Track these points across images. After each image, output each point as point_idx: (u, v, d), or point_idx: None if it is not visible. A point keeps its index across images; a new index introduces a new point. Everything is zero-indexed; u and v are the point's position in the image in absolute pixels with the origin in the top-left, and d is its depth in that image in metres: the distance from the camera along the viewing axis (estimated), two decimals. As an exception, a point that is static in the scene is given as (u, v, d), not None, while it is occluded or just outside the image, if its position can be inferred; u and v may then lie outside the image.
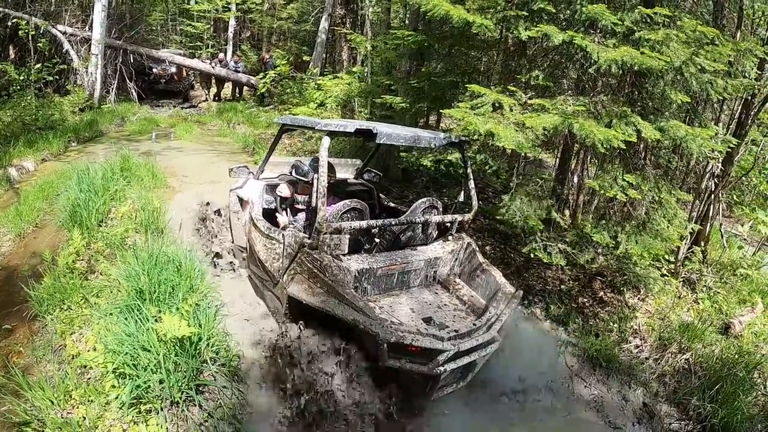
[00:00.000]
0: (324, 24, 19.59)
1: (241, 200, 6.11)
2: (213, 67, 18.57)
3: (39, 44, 13.49)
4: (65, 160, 10.15)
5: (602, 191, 5.54)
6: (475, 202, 5.42)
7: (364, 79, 10.20)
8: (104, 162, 7.95)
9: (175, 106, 18.15)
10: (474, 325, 4.27)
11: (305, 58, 18.28)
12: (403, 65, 9.19)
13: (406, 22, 12.47)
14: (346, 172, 6.83)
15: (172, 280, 4.40)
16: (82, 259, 5.39)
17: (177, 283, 4.41)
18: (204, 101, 19.19)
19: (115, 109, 15.56)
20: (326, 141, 4.34)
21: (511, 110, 5.22)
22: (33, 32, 13.11)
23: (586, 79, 6.05)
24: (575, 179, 7.52)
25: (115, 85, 16.41)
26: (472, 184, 5.42)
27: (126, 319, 3.96)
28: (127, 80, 16.96)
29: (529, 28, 5.43)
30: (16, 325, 4.85)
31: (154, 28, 23.57)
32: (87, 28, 15.85)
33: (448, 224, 5.40)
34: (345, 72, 12.72)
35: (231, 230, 6.48)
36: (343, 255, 4.54)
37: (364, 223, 4.64)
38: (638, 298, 6.95)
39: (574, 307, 6.61)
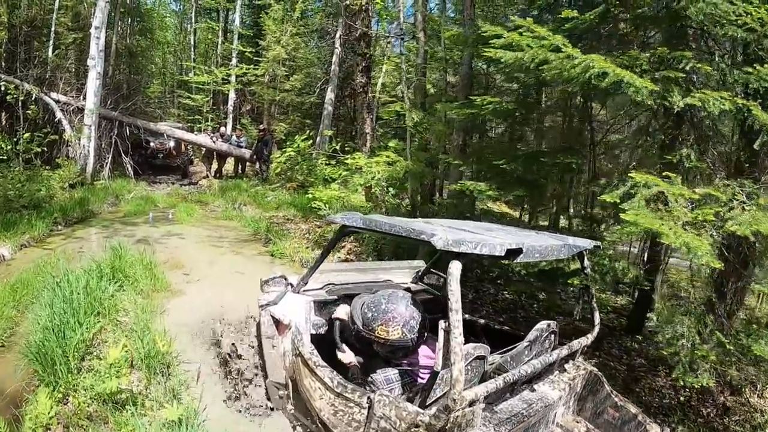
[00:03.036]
0: (330, 95, 18.84)
1: (276, 322, 4.48)
2: (214, 142, 17.36)
3: (29, 111, 12.23)
4: (49, 246, 8.63)
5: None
6: (597, 321, 4.23)
7: (404, 155, 8.81)
8: (91, 261, 6.42)
9: (173, 183, 16.77)
10: None
11: (327, 132, 17.16)
12: (454, 139, 7.81)
13: (447, 88, 11.19)
14: (399, 275, 5.34)
15: None
16: (58, 423, 3.72)
17: None
18: (204, 178, 17.81)
19: (109, 185, 14.08)
20: (457, 269, 2.81)
21: (677, 203, 3.91)
22: (23, 98, 11.85)
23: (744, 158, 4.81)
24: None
25: (110, 159, 14.99)
26: (595, 301, 4.28)
27: None
28: (123, 154, 15.57)
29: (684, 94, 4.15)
30: None
31: (151, 100, 22.58)
32: (82, 97, 14.63)
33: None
34: (366, 147, 11.43)
35: (263, 362, 4.79)
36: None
37: (500, 381, 3.11)
38: (757, 395, 5.69)
39: (701, 423, 5.33)
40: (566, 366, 4.06)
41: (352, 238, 9.80)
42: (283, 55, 20.52)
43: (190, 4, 26.60)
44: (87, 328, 4.59)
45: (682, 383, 4.74)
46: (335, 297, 4.50)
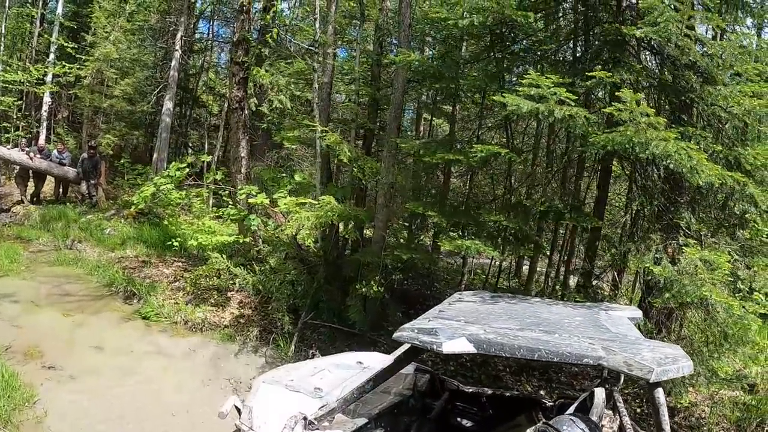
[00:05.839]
0: (168, 105, 16.80)
1: None
2: (32, 159, 14.29)
3: None
4: None
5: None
6: None
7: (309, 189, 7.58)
8: None
9: (-20, 214, 13.46)
10: None
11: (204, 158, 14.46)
12: (383, 176, 6.83)
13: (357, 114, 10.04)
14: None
15: None
16: None
17: None
18: (18, 203, 14.50)
19: None
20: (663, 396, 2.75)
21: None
22: None
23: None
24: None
25: None
26: None
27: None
28: None
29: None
30: None
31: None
32: None
33: None
34: (242, 175, 9.81)
35: None
36: None
37: None
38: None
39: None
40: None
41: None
42: (114, 54, 17.71)
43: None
44: None
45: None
46: (365, 420, 3.38)
